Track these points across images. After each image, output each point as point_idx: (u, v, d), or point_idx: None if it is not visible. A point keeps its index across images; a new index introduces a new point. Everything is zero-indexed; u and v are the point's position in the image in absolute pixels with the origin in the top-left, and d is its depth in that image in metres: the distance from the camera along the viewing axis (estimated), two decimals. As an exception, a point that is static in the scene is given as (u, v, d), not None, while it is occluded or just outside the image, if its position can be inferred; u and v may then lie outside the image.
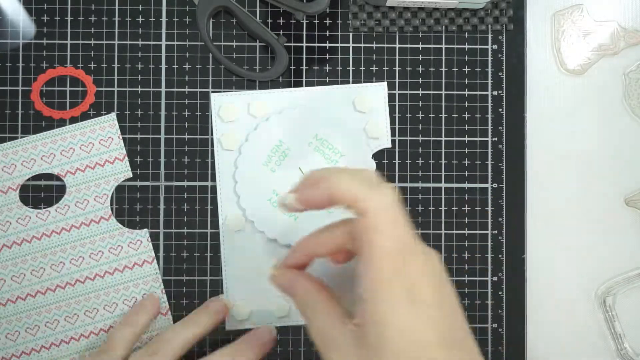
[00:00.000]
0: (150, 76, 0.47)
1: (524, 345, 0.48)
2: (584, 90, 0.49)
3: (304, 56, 0.48)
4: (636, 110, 0.49)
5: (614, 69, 0.49)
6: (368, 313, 0.32)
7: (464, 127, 0.48)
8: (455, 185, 0.48)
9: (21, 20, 0.47)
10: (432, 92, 0.48)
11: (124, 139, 0.47)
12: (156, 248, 0.47)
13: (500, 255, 0.48)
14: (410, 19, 0.48)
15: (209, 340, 0.47)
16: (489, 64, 0.48)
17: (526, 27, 0.48)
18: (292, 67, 0.47)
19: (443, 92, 0.48)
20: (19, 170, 0.46)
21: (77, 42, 0.47)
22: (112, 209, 0.47)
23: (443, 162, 0.48)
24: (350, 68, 0.48)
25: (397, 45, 0.48)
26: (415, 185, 0.48)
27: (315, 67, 0.47)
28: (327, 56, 0.48)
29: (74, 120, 0.47)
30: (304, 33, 0.48)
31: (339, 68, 0.48)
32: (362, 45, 0.48)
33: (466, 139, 0.48)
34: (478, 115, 0.48)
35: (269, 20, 0.47)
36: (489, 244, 0.48)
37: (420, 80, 0.48)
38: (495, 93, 0.48)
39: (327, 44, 0.48)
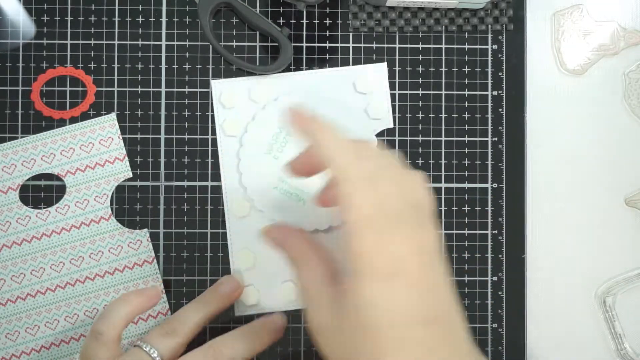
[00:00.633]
0: (150, 76, 0.47)
1: (524, 345, 0.48)
2: (584, 90, 0.49)
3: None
4: (636, 110, 0.49)
5: (614, 69, 0.49)
6: (347, 281, 0.32)
7: (464, 127, 0.48)
8: (455, 185, 0.48)
9: (21, 20, 0.47)
10: (432, 92, 0.48)
11: (124, 139, 0.47)
12: (156, 248, 0.47)
13: (500, 255, 0.48)
14: (410, 19, 0.48)
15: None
16: (489, 64, 0.48)
17: (526, 27, 0.48)
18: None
19: (443, 92, 0.48)
20: (19, 170, 0.46)
21: (77, 42, 0.47)
22: (112, 209, 0.47)
23: (443, 162, 0.48)
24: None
25: (397, 45, 0.48)
26: (415, 185, 0.48)
27: (316, 67, 0.47)
28: (327, 56, 0.48)
29: (74, 120, 0.47)
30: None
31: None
32: (362, 45, 0.48)
33: (466, 139, 0.48)
34: (478, 115, 0.48)
35: (269, 9, 0.47)
36: (489, 244, 0.48)
37: (420, 80, 0.48)
38: (495, 93, 0.48)
39: (327, 44, 0.48)
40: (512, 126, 0.48)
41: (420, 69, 0.48)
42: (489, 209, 0.48)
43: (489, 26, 0.48)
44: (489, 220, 0.48)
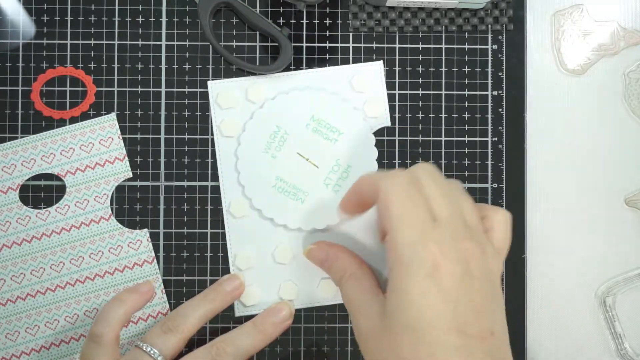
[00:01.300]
0: (150, 76, 0.47)
1: (524, 345, 0.48)
2: (584, 90, 0.49)
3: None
4: (636, 110, 0.49)
5: (614, 69, 0.49)
6: (390, 283, 0.34)
7: (464, 127, 0.48)
8: (455, 185, 0.48)
9: (21, 20, 0.47)
10: (432, 92, 0.48)
11: (124, 139, 0.47)
12: (156, 248, 0.47)
13: (500, 255, 0.48)
14: (410, 19, 0.48)
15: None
16: (489, 64, 0.48)
17: (526, 27, 0.48)
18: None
19: (443, 92, 0.48)
20: (19, 170, 0.46)
21: (77, 42, 0.47)
22: (112, 209, 0.47)
23: (443, 161, 0.48)
24: (350, 68, 0.48)
25: (397, 45, 0.48)
26: (415, 185, 0.48)
27: (316, 67, 0.47)
28: (327, 56, 0.48)
29: (74, 120, 0.47)
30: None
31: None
32: (362, 45, 0.48)
33: (466, 139, 0.48)
34: (478, 115, 0.48)
35: (269, 9, 0.47)
36: (489, 244, 0.48)
37: (420, 80, 0.48)
38: (495, 93, 0.48)
39: (327, 44, 0.48)
40: (512, 126, 0.48)
41: (420, 69, 0.48)
42: (489, 209, 0.48)
43: (489, 26, 0.48)
44: (489, 220, 0.48)
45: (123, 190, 0.47)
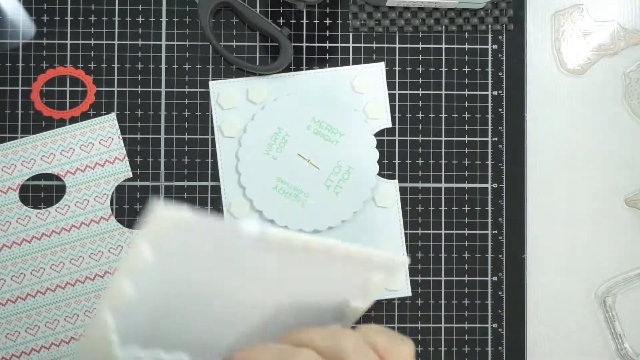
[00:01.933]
0: (150, 76, 0.47)
1: (524, 345, 0.48)
2: (584, 90, 0.49)
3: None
4: (636, 110, 0.49)
5: (614, 69, 0.49)
6: None
7: (464, 127, 0.48)
8: (455, 185, 0.48)
9: (21, 20, 0.47)
10: (432, 92, 0.48)
11: (124, 139, 0.47)
12: (156, 248, 0.47)
13: (500, 255, 0.48)
14: (410, 19, 0.48)
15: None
16: (489, 64, 0.48)
17: (526, 27, 0.48)
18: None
19: (443, 92, 0.48)
20: (19, 170, 0.46)
21: (77, 42, 0.47)
22: (112, 209, 0.47)
23: (443, 162, 0.48)
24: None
25: (397, 45, 0.48)
26: (415, 185, 0.48)
27: (315, 67, 0.47)
28: (327, 56, 0.48)
29: (74, 120, 0.47)
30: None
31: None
32: (362, 45, 0.48)
33: (466, 139, 0.48)
34: (478, 115, 0.48)
35: (269, 9, 0.47)
36: (489, 244, 0.48)
37: (420, 80, 0.48)
38: (495, 93, 0.48)
39: (327, 44, 0.48)
40: (512, 126, 0.48)
41: (420, 69, 0.48)
42: (489, 209, 0.48)
43: (489, 26, 0.48)
44: (489, 220, 0.48)
45: (123, 190, 0.47)
